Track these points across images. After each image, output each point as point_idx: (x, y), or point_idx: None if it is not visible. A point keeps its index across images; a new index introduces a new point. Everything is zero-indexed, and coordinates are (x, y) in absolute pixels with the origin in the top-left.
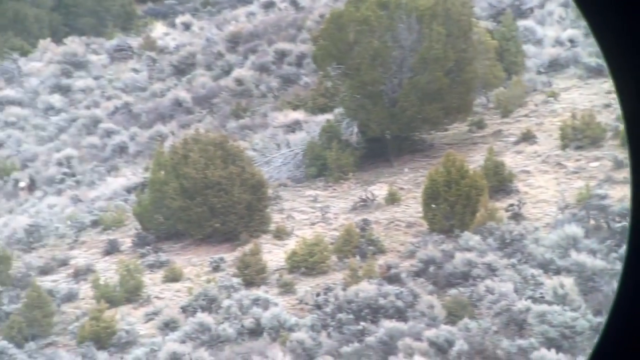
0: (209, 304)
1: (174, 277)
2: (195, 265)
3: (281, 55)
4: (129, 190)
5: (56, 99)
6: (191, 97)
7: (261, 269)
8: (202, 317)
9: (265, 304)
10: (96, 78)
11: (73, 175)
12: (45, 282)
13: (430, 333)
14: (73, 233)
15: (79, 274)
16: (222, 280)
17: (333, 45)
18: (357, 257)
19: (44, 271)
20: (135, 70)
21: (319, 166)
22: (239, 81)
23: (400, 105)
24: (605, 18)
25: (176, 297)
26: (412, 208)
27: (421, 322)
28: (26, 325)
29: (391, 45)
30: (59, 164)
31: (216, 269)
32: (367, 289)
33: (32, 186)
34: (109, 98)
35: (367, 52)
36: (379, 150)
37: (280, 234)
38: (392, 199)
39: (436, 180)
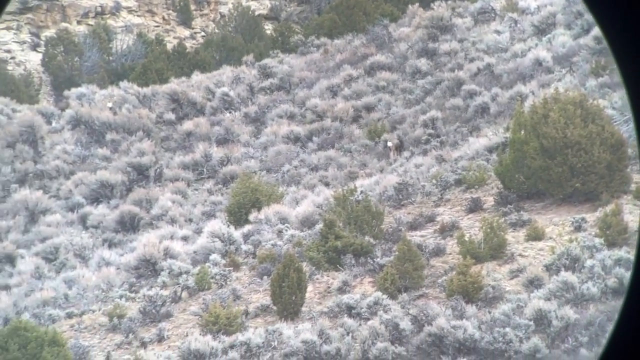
0: (572, 263)
1: (536, 235)
2: (557, 225)
3: None
4: (490, 150)
5: (422, 63)
6: (551, 56)
7: (623, 229)
8: (566, 275)
9: (628, 265)
10: (460, 41)
11: (437, 136)
12: (415, 237)
13: None
14: (438, 191)
15: (445, 230)
16: (584, 240)
17: None
18: None
19: (413, 226)
20: (497, 32)
21: None
22: (599, 39)
23: None
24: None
25: (539, 255)
26: None
27: None
28: (398, 277)
29: None
30: (425, 125)
31: (578, 229)
32: None
33: (400, 147)
34: (471, 60)
35: None
36: None
37: None
38: None
39: None
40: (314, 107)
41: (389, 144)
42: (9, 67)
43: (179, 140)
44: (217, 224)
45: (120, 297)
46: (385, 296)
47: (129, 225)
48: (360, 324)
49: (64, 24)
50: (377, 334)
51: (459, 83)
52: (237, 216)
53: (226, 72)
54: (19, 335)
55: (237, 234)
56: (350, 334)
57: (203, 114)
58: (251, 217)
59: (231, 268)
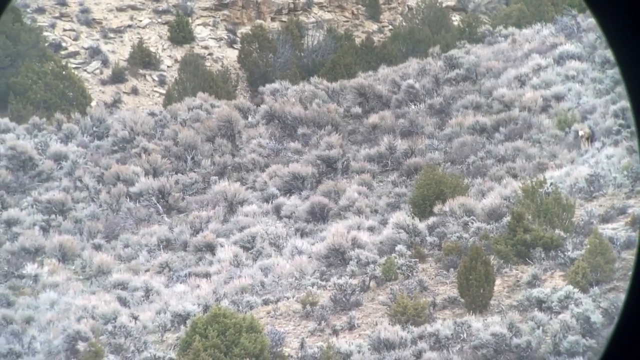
0: None
1: None
2: None
3: None
4: None
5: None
6: None
7: None
8: None
9: None
10: None
11: (628, 126)
12: (606, 230)
13: None
14: (629, 183)
15: (636, 223)
16: None
17: None
18: None
19: (604, 219)
20: None
21: None
22: None
23: None
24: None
25: None
26: None
27: None
28: (589, 271)
29: None
30: (615, 115)
31: None
32: None
33: (591, 137)
34: None
35: None
36: None
37: None
38: None
39: None
40: (501, 97)
41: (581, 133)
42: (207, 64)
43: (365, 134)
44: (402, 216)
45: (312, 285)
46: (576, 290)
47: (319, 215)
48: (550, 318)
49: (258, 21)
50: (569, 327)
51: None
52: (422, 208)
53: (412, 64)
54: (218, 322)
55: (421, 225)
56: (541, 328)
57: (388, 107)
58: (435, 209)
59: (417, 259)
